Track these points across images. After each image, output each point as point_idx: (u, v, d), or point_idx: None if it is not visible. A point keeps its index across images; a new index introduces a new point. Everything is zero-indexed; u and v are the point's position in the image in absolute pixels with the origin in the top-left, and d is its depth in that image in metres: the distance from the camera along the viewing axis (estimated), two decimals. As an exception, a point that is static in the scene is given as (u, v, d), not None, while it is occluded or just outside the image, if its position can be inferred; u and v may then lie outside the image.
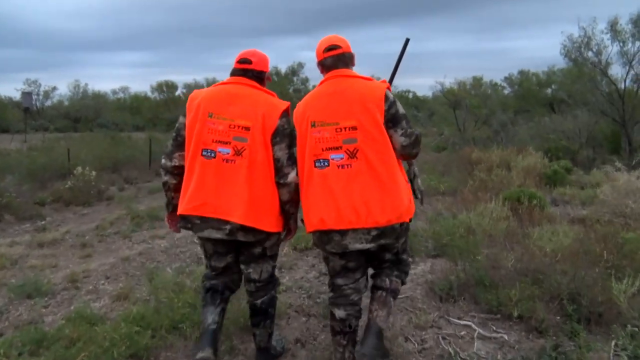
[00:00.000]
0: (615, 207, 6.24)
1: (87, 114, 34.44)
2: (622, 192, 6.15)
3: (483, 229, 5.60)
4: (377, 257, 2.62)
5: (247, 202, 2.41)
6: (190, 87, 35.55)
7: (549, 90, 32.46)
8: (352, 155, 2.35)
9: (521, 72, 34.60)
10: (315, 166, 2.40)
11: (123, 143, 15.15)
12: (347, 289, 2.58)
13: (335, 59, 2.52)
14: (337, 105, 2.40)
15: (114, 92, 43.23)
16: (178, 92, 37.58)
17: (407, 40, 2.82)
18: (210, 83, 35.96)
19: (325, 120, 2.39)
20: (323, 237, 2.44)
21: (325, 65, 2.55)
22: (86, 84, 40.41)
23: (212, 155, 2.42)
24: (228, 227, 2.42)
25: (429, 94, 36.95)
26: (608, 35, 12.36)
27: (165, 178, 2.62)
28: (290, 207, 2.60)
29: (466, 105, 17.76)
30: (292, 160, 2.52)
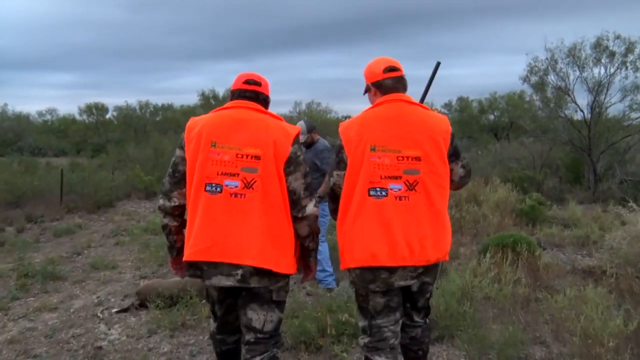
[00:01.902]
0: (630, 256, 5.14)
1: (5, 136, 31.34)
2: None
3: (485, 293, 4.31)
4: (414, 298, 2.46)
5: (263, 241, 2.16)
6: (121, 110, 33.29)
7: (491, 117, 32.50)
8: (410, 187, 2.21)
9: (460, 99, 34.66)
10: (369, 194, 2.21)
11: (35, 171, 13.06)
12: (387, 332, 2.36)
13: (396, 81, 2.37)
14: (401, 132, 2.24)
15: (40, 113, 40.14)
16: (109, 115, 35.09)
17: (438, 64, 2.71)
18: (143, 106, 34.01)
19: (387, 146, 2.22)
20: (367, 274, 2.25)
21: (383, 87, 2.37)
22: (5, 104, 37.13)
23: (218, 189, 2.17)
24: (240, 272, 2.17)
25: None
26: (567, 61, 11.70)
27: (165, 221, 2.38)
28: (310, 243, 2.40)
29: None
30: (309, 191, 2.29)
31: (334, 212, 2.46)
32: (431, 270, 2.33)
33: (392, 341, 2.37)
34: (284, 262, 2.24)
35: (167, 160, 15.32)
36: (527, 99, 29.07)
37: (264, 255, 2.16)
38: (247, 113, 2.28)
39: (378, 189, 2.20)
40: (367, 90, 2.48)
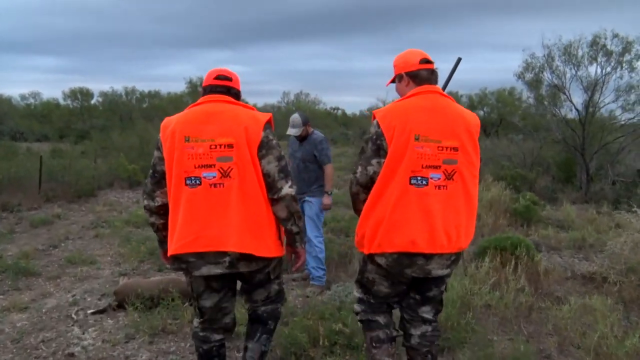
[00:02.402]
0: (633, 263, 4.95)
1: (-16, 119, 30.54)
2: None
3: (485, 301, 4.08)
4: (428, 287, 2.49)
5: (242, 226, 2.23)
6: (107, 96, 32.63)
7: (481, 113, 32.39)
8: (449, 176, 2.27)
9: (449, 94, 34.50)
10: (410, 183, 2.25)
11: (14, 157, 12.59)
12: (383, 307, 2.57)
13: (430, 73, 2.42)
14: (440, 122, 2.28)
15: (23, 97, 39.25)
16: (94, 101, 34.36)
17: (459, 60, 2.78)
18: (129, 93, 33.38)
19: (429, 136, 2.26)
20: (404, 259, 2.30)
21: (419, 77, 2.41)
22: (-13, 86, 36.17)
23: (197, 182, 2.24)
24: (227, 259, 2.26)
25: (357, 111, 36.18)
26: (563, 58, 11.50)
27: (152, 219, 2.49)
28: (292, 226, 2.41)
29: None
30: (285, 173, 2.34)
31: (362, 202, 2.42)
32: (458, 259, 2.43)
33: (385, 308, 2.55)
34: (264, 246, 2.30)
35: (153, 148, 14.87)
36: (518, 96, 29.52)
37: (243, 241, 2.23)
38: (218, 106, 2.36)
39: (419, 178, 2.24)
40: (397, 80, 2.50)
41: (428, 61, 2.42)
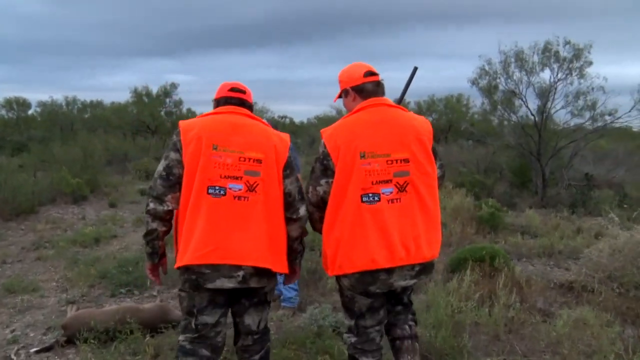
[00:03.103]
0: (611, 270, 4.84)
1: None
2: (624, 253, 4.73)
3: (472, 318, 3.83)
4: (397, 297, 2.58)
5: (264, 242, 2.24)
6: (46, 106, 30.88)
7: (429, 119, 32.83)
8: (401, 189, 2.27)
9: (396, 101, 34.80)
10: (362, 201, 2.24)
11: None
12: (372, 332, 2.46)
13: (376, 86, 2.42)
14: (388, 135, 2.28)
15: (-52, 108, 36.76)
16: (31, 111, 32.50)
17: (415, 69, 2.75)
18: (70, 102, 31.80)
19: (376, 151, 2.26)
20: (366, 277, 2.29)
21: (364, 91, 2.40)
22: None
23: (222, 192, 2.20)
24: (241, 273, 2.22)
25: (304, 119, 35.91)
26: (517, 64, 11.64)
27: (154, 225, 2.30)
28: (298, 245, 2.51)
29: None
30: (302, 194, 2.43)
31: (319, 220, 2.45)
32: (428, 268, 2.41)
33: (377, 340, 2.47)
34: (281, 262, 2.34)
35: (97, 161, 14.19)
36: (465, 102, 30.11)
37: (265, 255, 2.24)
38: (241, 118, 2.34)
39: (370, 195, 2.24)
40: (344, 95, 2.50)
41: (372, 73, 2.42)
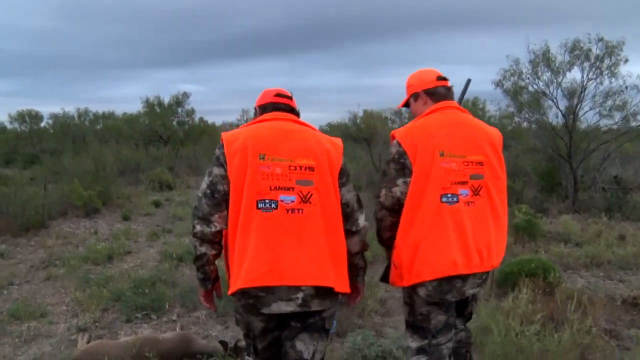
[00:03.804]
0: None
1: None
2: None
3: (540, 345, 3.34)
4: (465, 306, 2.46)
5: (324, 258, 2.01)
6: (57, 118, 30.78)
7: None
8: (475, 192, 2.20)
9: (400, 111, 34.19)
10: (442, 201, 2.15)
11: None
12: (444, 349, 2.32)
13: (447, 90, 2.38)
14: (463, 136, 2.23)
15: (-36, 121, 36.78)
16: (43, 123, 32.36)
17: (469, 81, 2.64)
18: (82, 114, 31.73)
19: (453, 151, 2.19)
20: (444, 285, 2.17)
21: (436, 94, 2.36)
22: None
23: (273, 206, 1.98)
24: (300, 295, 1.98)
25: (317, 126, 35.30)
26: (544, 64, 11.11)
27: (202, 249, 2.07)
28: (359, 260, 2.26)
29: (383, 139, 15.68)
30: (360, 204, 2.21)
31: (389, 228, 2.29)
32: (487, 277, 2.38)
33: (447, 358, 2.36)
34: (343, 280, 2.09)
35: (109, 172, 13.84)
36: (481, 105, 29.57)
37: (326, 273, 2.01)
38: (289, 124, 2.16)
39: (449, 195, 2.16)
40: (413, 99, 2.43)
41: (444, 78, 2.39)
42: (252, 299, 2.01)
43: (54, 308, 4.69)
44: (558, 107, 10.76)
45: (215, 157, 2.08)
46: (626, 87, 10.49)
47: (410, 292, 2.28)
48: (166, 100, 25.73)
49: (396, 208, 2.24)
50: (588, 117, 11.38)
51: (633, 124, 11.04)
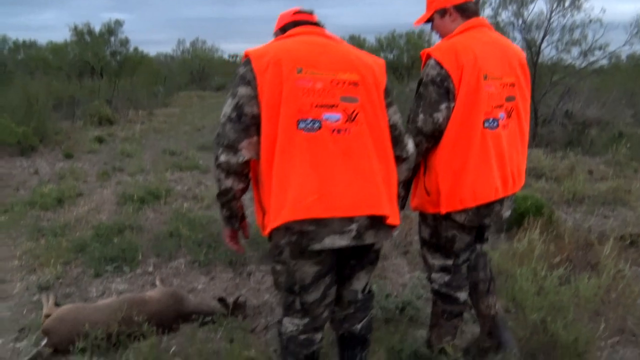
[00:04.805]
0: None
1: None
2: None
3: (567, 293, 3.12)
4: (481, 233, 2.44)
5: (376, 183, 1.78)
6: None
7: (390, 56, 31.80)
8: (509, 114, 2.17)
9: (351, 38, 33.41)
10: (484, 126, 2.08)
11: None
12: (464, 267, 2.38)
13: (475, 4, 2.26)
14: (499, 57, 2.15)
15: None
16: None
17: None
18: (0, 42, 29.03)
19: (493, 73, 2.10)
20: (483, 210, 2.17)
21: (468, 10, 2.21)
22: None
23: (316, 125, 1.73)
24: (354, 226, 1.76)
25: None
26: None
27: (228, 183, 1.81)
28: (402, 189, 2.28)
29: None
30: (405, 128, 2.04)
31: (422, 153, 2.17)
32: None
33: (466, 275, 2.40)
34: (396, 211, 1.87)
35: (43, 106, 12.53)
36: (427, 38, 29.27)
37: (380, 201, 1.78)
38: (321, 38, 1.88)
39: (491, 120, 2.10)
40: (440, 15, 2.26)
41: None
42: (296, 235, 1.73)
43: (5, 264, 4.03)
44: (524, 39, 10.52)
45: (239, 77, 1.80)
46: (590, 21, 10.36)
47: (439, 217, 2.23)
48: (97, 28, 23.72)
49: (436, 134, 2.13)
50: (551, 51, 11.29)
51: (592, 58, 11.03)
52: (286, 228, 1.74)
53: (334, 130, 1.75)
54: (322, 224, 1.73)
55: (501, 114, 2.13)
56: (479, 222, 2.21)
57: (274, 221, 1.73)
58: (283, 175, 1.72)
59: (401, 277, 3.72)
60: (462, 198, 2.12)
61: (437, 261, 2.36)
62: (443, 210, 2.16)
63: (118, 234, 4.43)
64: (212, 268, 3.88)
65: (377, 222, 1.82)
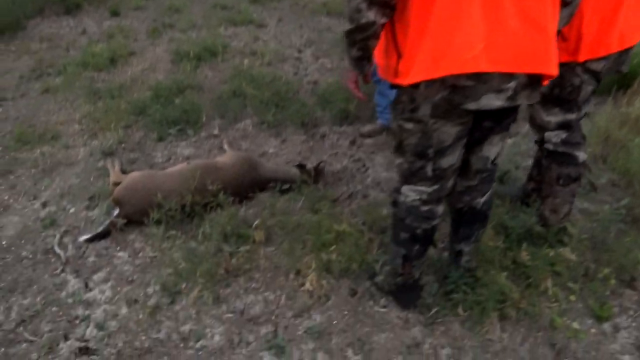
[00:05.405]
0: None
1: None
2: None
3: None
4: None
5: (552, 35, 1.45)
6: None
7: None
8: None
9: None
10: None
11: None
12: (581, 124, 2.21)
13: None
14: None
15: None
16: None
17: None
18: None
19: None
20: (623, 56, 1.99)
21: None
22: None
23: None
24: (512, 84, 1.45)
25: None
26: None
27: (370, 15, 1.44)
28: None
29: None
30: None
31: None
32: None
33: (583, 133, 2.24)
34: (556, 64, 1.49)
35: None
36: None
37: (550, 56, 1.44)
38: None
39: None
40: None
41: None
42: (449, 91, 1.45)
43: (65, 128, 3.84)
44: None
45: None
46: None
47: (571, 65, 2.02)
48: None
49: None
50: None
51: None
52: (441, 81, 1.45)
53: None
54: (482, 80, 1.43)
55: None
56: (616, 69, 2.02)
57: (426, 72, 1.42)
58: (450, 15, 1.37)
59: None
60: (608, 43, 1.89)
61: (553, 117, 2.16)
62: (581, 58, 1.92)
63: (178, 94, 4.12)
64: (282, 130, 3.56)
65: (534, 81, 1.52)
